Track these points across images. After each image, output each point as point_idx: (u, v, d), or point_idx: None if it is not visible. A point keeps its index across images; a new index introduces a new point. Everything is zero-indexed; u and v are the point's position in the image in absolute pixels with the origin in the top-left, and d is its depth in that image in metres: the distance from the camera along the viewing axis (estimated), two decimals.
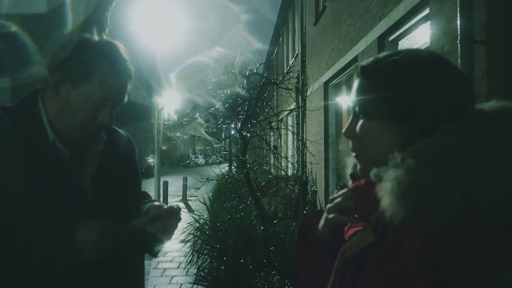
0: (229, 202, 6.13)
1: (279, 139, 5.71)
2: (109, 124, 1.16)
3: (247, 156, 4.51)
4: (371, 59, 0.79)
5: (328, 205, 0.87)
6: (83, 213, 1.09)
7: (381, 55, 0.78)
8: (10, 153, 1.03)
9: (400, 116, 0.72)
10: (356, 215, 0.82)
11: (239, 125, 4.82)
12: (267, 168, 11.42)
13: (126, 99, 1.19)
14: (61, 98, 1.10)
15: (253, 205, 4.63)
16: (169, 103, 11.35)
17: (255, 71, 4.80)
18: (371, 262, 0.69)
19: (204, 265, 4.51)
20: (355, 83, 0.79)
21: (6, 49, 9.86)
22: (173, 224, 1.18)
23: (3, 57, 9.76)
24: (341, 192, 0.86)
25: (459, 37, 2.79)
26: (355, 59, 5.92)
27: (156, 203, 1.27)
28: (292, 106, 9.53)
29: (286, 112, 11.11)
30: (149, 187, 10.99)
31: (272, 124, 4.83)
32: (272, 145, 5.95)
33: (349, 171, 0.89)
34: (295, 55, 12.23)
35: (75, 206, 1.09)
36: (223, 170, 7.84)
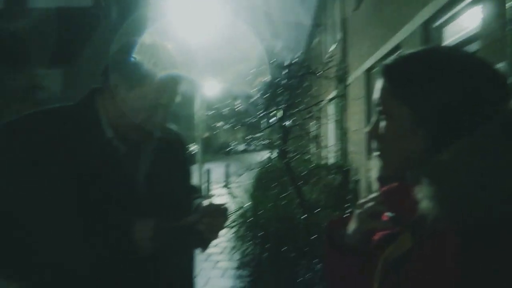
0: (270, 191, 6.21)
1: (319, 128, 5.70)
2: (163, 124, 1.22)
3: (287, 145, 4.55)
4: (394, 58, 0.76)
5: (358, 210, 0.85)
6: (138, 210, 1.14)
7: (406, 54, 0.76)
8: (69, 151, 1.08)
9: (423, 120, 0.70)
10: (387, 219, 0.80)
11: (279, 114, 4.86)
12: (308, 157, 11.39)
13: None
14: (118, 99, 1.14)
15: (294, 193, 4.69)
16: (210, 93, 11.60)
17: (295, 59, 4.79)
18: (410, 267, 0.69)
19: (248, 251, 4.64)
20: (378, 83, 0.78)
21: (57, 41, 10.33)
22: (220, 223, 1.22)
23: (55, 49, 10.24)
24: (371, 196, 0.84)
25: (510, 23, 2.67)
26: (398, 46, 5.76)
27: (205, 201, 1.30)
28: (333, 94, 9.42)
29: (327, 101, 11.00)
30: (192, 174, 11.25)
31: (313, 113, 4.83)
32: (313, 134, 5.95)
33: (375, 173, 0.85)
34: (335, 43, 12.01)
35: (131, 202, 1.14)
36: (264, 158, 7.89)
